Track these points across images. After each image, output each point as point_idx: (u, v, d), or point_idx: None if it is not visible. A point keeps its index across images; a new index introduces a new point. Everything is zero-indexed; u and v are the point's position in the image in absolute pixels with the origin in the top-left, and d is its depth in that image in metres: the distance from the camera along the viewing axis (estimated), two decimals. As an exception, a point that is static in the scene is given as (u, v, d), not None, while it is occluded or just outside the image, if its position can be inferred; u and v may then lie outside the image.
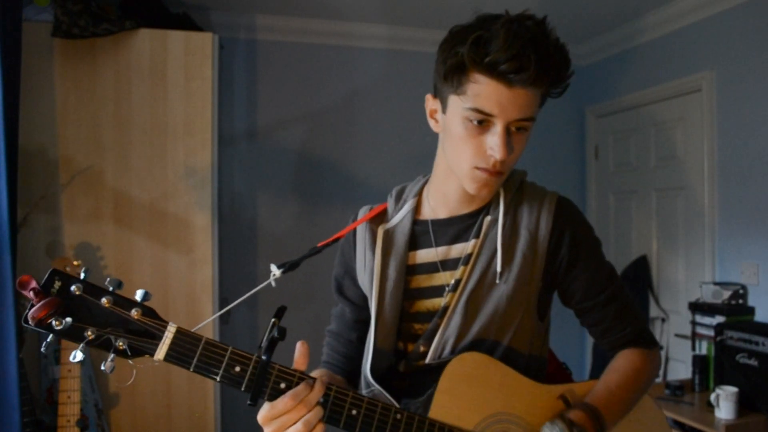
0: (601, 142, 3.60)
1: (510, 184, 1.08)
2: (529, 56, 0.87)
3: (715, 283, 2.61)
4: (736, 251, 2.65)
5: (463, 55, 0.91)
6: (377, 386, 1.01)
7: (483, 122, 0.93)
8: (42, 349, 0.81)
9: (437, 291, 1.05)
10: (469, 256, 1.04)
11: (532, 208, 1.05)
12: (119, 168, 2.40)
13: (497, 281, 1.01)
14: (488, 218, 1.05)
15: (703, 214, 2.82)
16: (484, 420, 0.95)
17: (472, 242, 1.05)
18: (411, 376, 1.05)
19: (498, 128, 0.92)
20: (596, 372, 3.05)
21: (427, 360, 1.02)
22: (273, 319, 0.85)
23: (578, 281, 1.06)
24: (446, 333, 1.01)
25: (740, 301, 2.53)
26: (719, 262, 2.74)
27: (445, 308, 1.03)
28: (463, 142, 0.96)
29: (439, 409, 0.94)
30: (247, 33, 3.16)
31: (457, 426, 0.93)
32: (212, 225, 2.48)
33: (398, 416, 0.90)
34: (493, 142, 0.93)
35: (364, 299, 1.15)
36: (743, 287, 2.55)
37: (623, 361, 1.06)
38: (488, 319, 1.00)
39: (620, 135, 3.43)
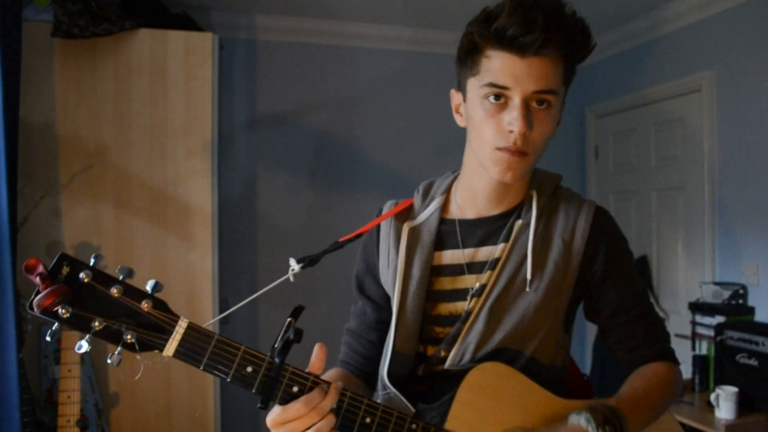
0: (601, 142, 3.60)
1: (544, 187, 1.04)
2: (535, 17, 0.86)
3: (715, 283, 2.61)
4: (736, 251, 2.65)
5: (473, 33, 0.91)
6: (393, 389, 0.98)
7: (500, 98, 0.90)
8: (47, 338, 0.76)
9: (461, 294, 1.01)
10: (497, 260, 0.99)
11: (568, 216, 1.01)
12: (119, 168, 2.40)
13: (527, 289, 0.97)
14: (519, 222, 1.00)
15: (703, 214, 2.81)
16: None
17: (500, 246, 1.00)
18: (428, 380, 1.01)
19: (515, 101, 0.89)
20: (595, 373, 3.05)
21: (446, 365, 0.98)
22: (289, 319, 0.82)
23: (609, 296, 1.02)
24: (467, 339, 0.97)
25: (740, 301, 2.53)
26: (719, 262, 2.73)
27: (468, 313, 0.99)
28: (483, 124, 0.92)
29: (456, 420, 0.90)
30: (247, 33, 3.15)
31: None
32: (212, 225, 2.48)
33: (413, 426, 0.87)
34: (511, 116, 0.89)
35: (387, 299, 1.09)
36: (743, 287, 2.55)
37: (649, 371, 1.02)
38: (513, 328, 0.96)
39: (620, 135, 3.43)
